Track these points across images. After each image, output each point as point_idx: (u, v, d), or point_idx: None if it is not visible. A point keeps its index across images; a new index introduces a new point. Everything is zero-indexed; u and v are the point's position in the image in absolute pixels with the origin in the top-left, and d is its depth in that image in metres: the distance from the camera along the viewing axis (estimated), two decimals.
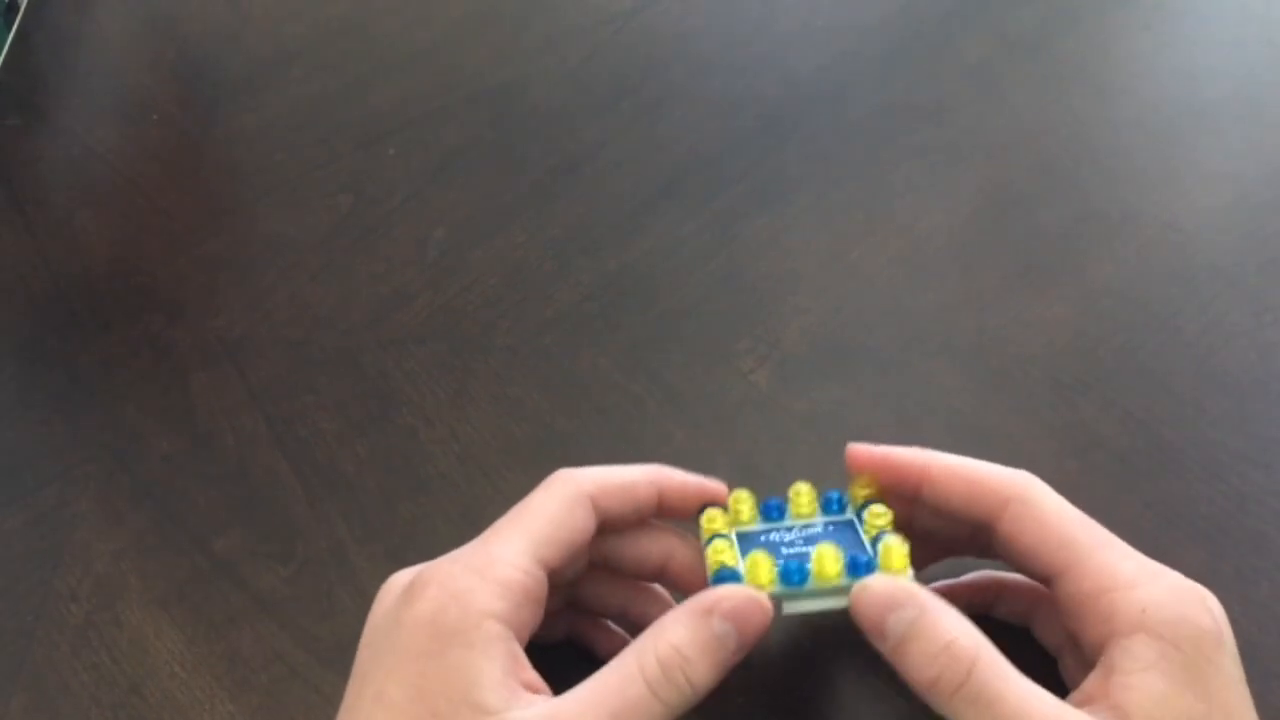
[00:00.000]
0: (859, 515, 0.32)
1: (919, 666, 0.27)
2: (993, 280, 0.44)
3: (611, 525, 0.32)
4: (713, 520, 0.32)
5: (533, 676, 0.28)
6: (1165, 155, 0.47)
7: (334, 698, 0.36)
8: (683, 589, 0.32)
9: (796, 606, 0.30)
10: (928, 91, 0.51)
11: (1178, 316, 0.42)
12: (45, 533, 0.42)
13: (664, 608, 0.31)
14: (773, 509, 0.32)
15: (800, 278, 0.45)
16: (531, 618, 0.29)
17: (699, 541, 0.32)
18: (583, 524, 0.30)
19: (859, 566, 0.29)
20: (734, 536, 0.32)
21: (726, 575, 0.29)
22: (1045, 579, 0.30)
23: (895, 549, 0.29)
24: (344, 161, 0.53)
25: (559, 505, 0.30)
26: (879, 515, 0.31)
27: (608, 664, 0.28)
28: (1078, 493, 0.33)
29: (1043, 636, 0.33)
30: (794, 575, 0.29)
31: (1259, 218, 0.44)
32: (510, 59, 0.57)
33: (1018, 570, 0.32)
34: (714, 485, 0.33)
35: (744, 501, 0.32)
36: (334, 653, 0.38)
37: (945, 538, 0.33)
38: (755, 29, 0.56)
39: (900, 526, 0.31)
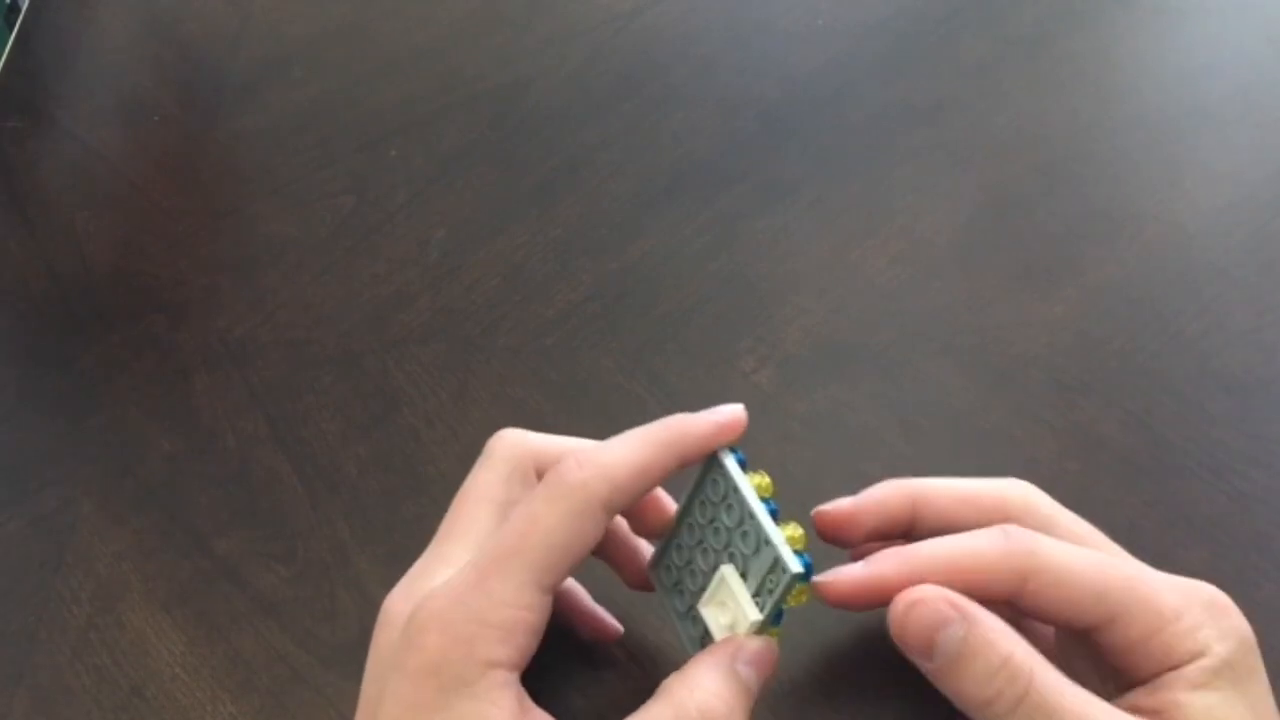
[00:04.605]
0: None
1: (975, 686, 0.26)
2: (993, 280, 0.44)
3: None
4: (764, 489, 0.30)
5: (540, 715, 0.28)
6: (1166, 155, 0.47)
7: (336, 699, 0.37)
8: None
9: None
10: (928, 91, 0.51)
11: (1179, 317, 0.42)
12: (47, 535, 0.42)
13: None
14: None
15: (801, 278, 0.45)
16: (533, 644, 0.28)
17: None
18: (593, 536, 0.28)
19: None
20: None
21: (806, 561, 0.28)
22: (1081, 631, 0.28)
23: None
24: (345, 162, 0.53)
25: (568, 525, 0.28)
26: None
27: (637, 714, 0.27)
28: (1079, 493, 0.33)
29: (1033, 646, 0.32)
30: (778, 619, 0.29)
31: (1261, 217, 0.44)
32: (511, 60, 0.57)
33: (1049, 625, 0.30)
34: (732, 421, 0.30)
35: (768, 491, 0.31)
36: (336, 654, 0.38)
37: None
38: (755, 29, 0.56)
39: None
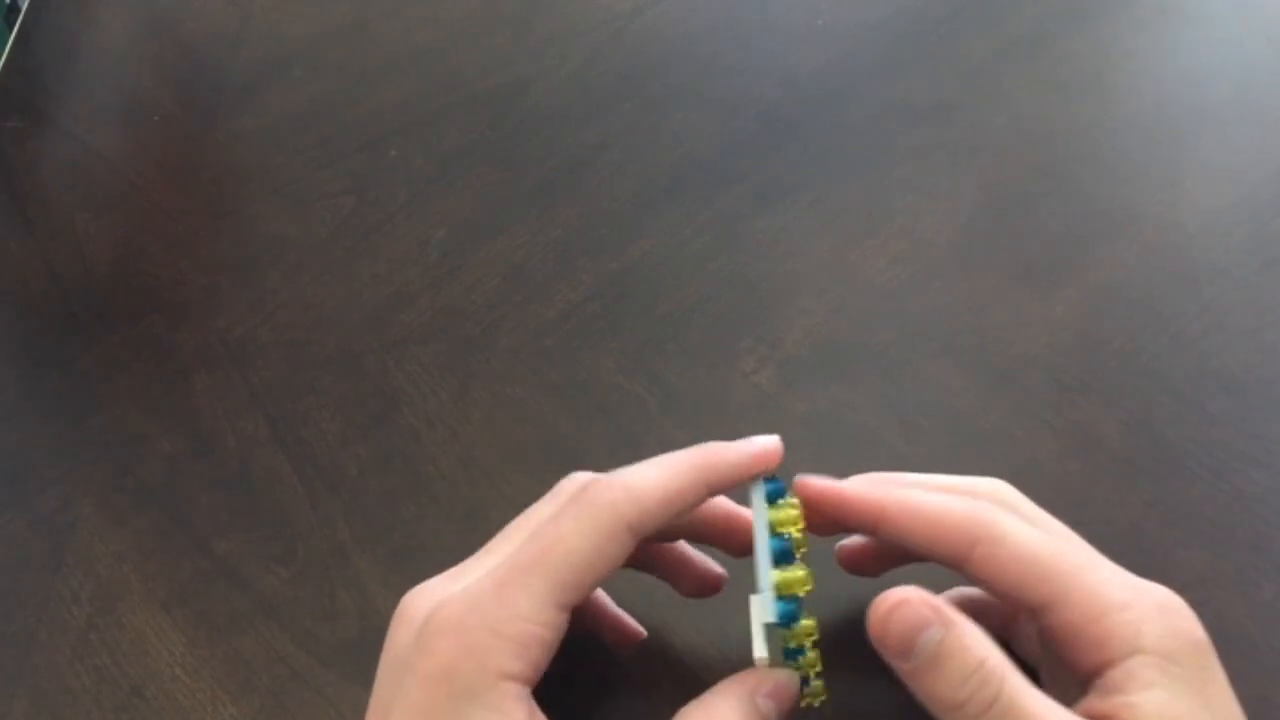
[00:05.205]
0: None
1: (948, 689, 0.26)
2: (993, 280, 0.44)
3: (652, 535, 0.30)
4: (788, 522, 0.30)
5: None
6: (1166, 155, 0.47)
7: (336, 700, 0.37)
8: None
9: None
10: (928, 91, 0.51)
11: (1179, 317, 0.42)
12: (47, 535, 0.42)
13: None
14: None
15: (801, 278, 0.45)
16: (547, 659, 0.28)
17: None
18: (617, 558, 0.28)
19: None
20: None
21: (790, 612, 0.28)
22: (1027, 611, 0.29)
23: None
24: (345, 162, 0.53)
25: (592, 544, 0.28)
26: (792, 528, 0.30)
27: None
28: (1079, 493, 0.33)
29: (1022, 651, 0.32)
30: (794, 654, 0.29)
31: (1261, 217, 0.44)
32: (512, 60, 0.57)
33: (996, 598, 0.30)
34: (766, 452, 0.30)
35: (795, 524, 0.30)
36: (336, 654, 0.38)
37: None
38: (755, 29, 0.56)
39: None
